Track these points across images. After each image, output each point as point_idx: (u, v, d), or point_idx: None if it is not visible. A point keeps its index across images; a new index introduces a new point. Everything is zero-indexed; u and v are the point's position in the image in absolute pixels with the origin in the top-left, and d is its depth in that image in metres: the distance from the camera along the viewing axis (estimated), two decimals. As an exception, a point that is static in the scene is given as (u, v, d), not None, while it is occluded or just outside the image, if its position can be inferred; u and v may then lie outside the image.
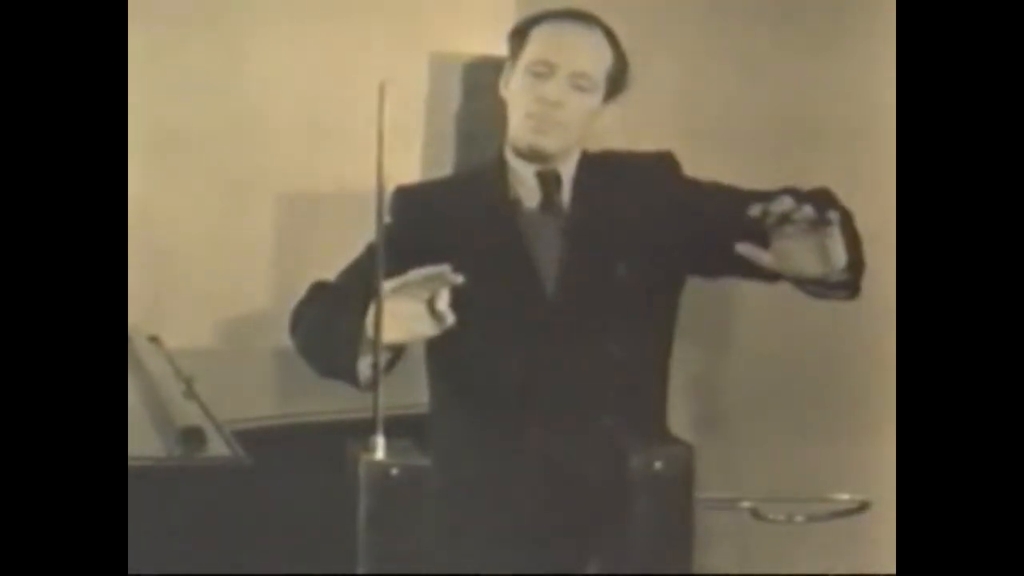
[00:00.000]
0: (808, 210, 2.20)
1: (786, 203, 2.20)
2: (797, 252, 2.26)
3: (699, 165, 2.59)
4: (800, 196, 2.36)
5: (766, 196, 2.41)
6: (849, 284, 2.32)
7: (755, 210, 2.20)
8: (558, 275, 2.46)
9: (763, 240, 2.25)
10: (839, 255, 2.26)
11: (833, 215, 2.22)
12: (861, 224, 2.54)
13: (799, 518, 2.50)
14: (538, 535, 2.42)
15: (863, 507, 2.50)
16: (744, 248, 2.24)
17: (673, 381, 2.60)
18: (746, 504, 2.49)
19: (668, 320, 2.55)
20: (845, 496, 2.53)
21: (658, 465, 2.10)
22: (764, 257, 2.26)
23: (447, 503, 2.14)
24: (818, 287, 2.33)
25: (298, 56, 3.13)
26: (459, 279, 2.18)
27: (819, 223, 2.22)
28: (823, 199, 2.39)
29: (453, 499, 2.28)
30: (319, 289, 2.45)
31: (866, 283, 2.43)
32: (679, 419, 2.59)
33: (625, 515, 2.17)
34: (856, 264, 2.31)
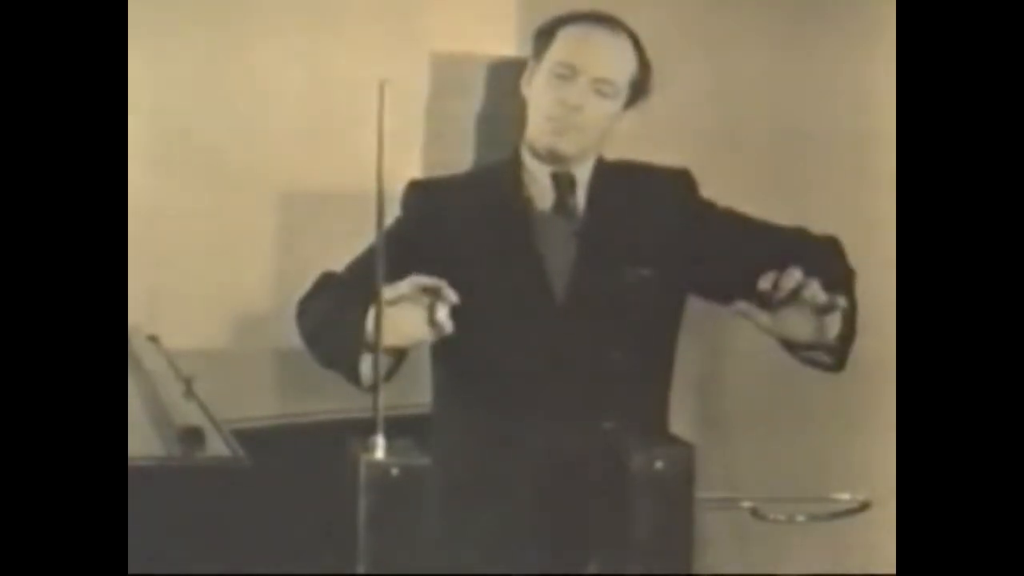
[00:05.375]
0: (817, 292, 2.23)
1: (795, 277, 2.22)
2: (793, 320, 2.28)
3: (701, 166, 2.59)
4: (808, 247, 2.38)
5: (776, 231, 2.45)
6: (837, 352, 2.34)
7: (765, 282, 2.22)
8: (567, 278, 2.46)
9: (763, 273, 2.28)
10: (833, 328, 2.28)
11: (840, 301, 2.24)
12: (862, 224, 2.55)
13: (800, 518, 2.49)
14: (538, 535, 2.42)
15: (864, 507, 2.49)
16: (742, 307, 2.27)
17: (674, 381, 2.60)
18: (746, 504, 2.49)
19: (672, 329, 2.56)
20: (846, 496, 2.52)
21: (659, 465, 2.10)
22: (761, 318, 2.28)
23: (447, 503, 2.14)
24: (807, 352, 2.35)
25: (298, 56, 3.13)
26: (455, 299, 2.18)
27: (825, 308, 2.24)
28: (830, 253, 2.42)
29: (453, 499, 2.28)
30: (326, 280, 2.45)
31: (866, 283, 2.44)
32: (680, 419, 2.59)
33: (625, 515, 2.17)
34: (847, 336, 2.32)
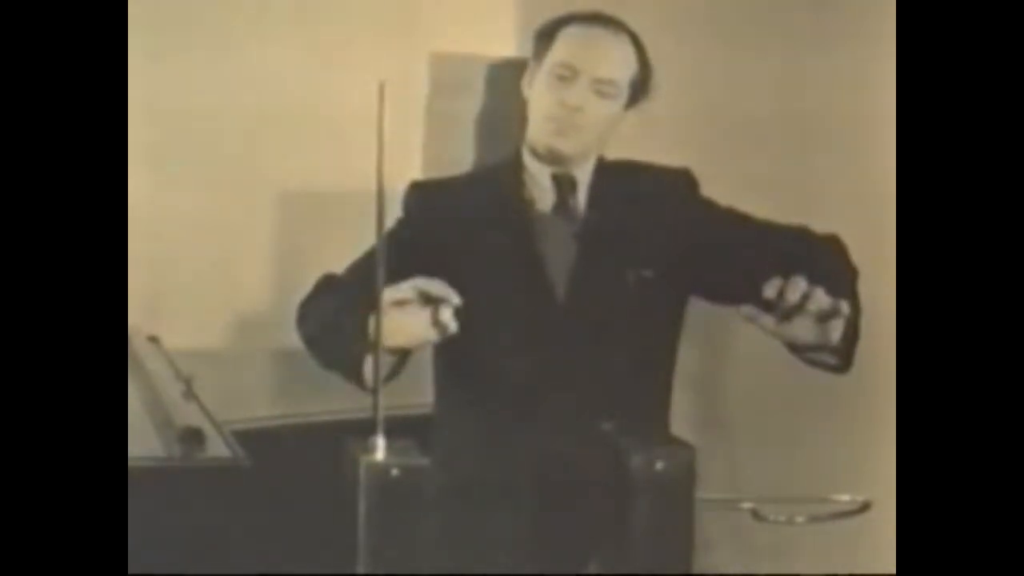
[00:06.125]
0: (822, 299, 2.21)
1: (801, 287, 2.21)
2: (798, 323, 2.27)
3: (702, 165, 2.59)
4: (810, 247, 2.38)
5: (777, 230, 2.44)
6: (841, 353, 2.33)
7: (770, 291, 2.21)
8: (568, 278, 2.46)
9: (765, 274, 2.28)
10: (837, 331, 2.27)
11: (844, 308, 2.23)
12: (861, 224, 2.54)
13: (800, 519, 2.49)
14: (538, 535, 2.42)
15: (864, 507, 2.49)
16: (748, 312, 2.25)
17: (674, 381, 2.60)
18: (747, 504, 2.49)
19: (673, 330, 2.56)
20: (846, 497, 2.52)
21: (659, 465, 2.10)
22: (766, 322, 2.27)
23: (447, 503, 2.14)
24: (811, 353, 2.33)
25: (298, 55, 3.13)
26: (458, 300, 2.18)
27: (830, 314, 2.23)
28: (832, 252, 2.41)
29: (453, 499, 2.28)
30: (328, 282, 2.45)
31: (866, 283, 2.44)
32: (680, 419, 2.59)
33: (625, 515, 2.17)
34: (851, 338, 2.31)
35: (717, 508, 2.42)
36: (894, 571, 1.95)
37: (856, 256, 2.49)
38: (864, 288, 2.42)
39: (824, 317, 2.24)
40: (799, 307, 2.22)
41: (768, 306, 2.24)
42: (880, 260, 2.47)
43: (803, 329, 2.27)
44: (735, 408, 3.36)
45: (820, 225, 2.53)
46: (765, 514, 2.44)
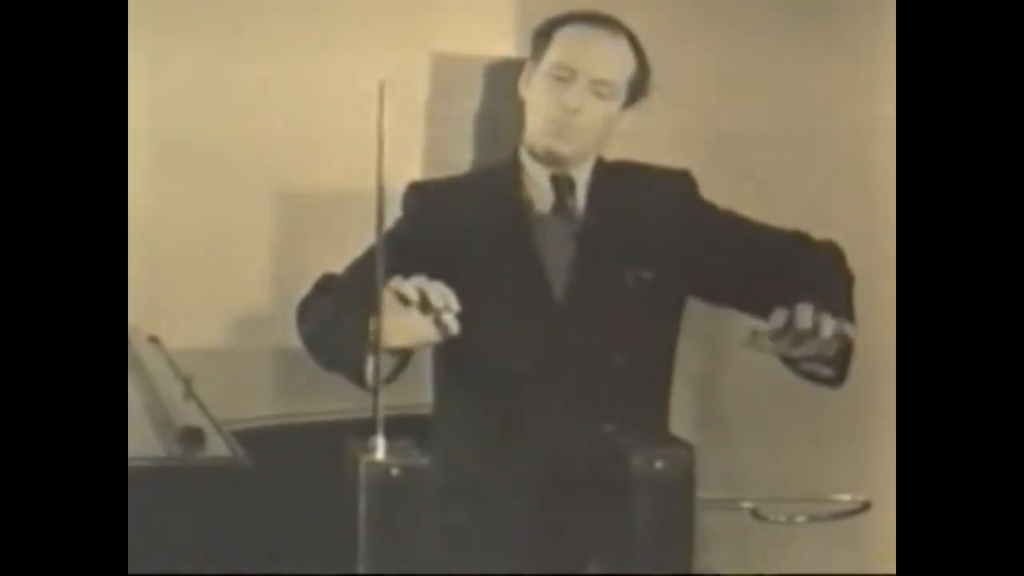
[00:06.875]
0: (827, 330, 2.21)
1: (808, 317, 2.20)
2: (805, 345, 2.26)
3: (701, 166, 2.59)
4: (808, 253, 2.38)
5: (776, 234, 2.44)
6: (834, 363, 2.33)
7: (777, 321, 2.21)
8: (567, 279, 2.46)
9: (763, 278, 2.27)
10: (833, 347, 2.27)
11: (848, 329, 2.22)
12: (861, 224, 2.54)
13: (800, 519, 2.50)
14: (538, 535, 2.42)
15: (864, 507, 2.50)
16: (752, 341, 2.25)
17: (674, 381, 2.60)
18: (747, 504, 2.49)
19: (671, 330, 2.56)
20: (846, 497, 2.52)
21: (659, 465, 2.10)
22: (762, 328, 2.26)
23: (447, 503, 2.14)
24: (806, 364, 2.33)
25: (298, 56, 3.13)
26: (457, 307, 2.17)
27: (833, 339, 2.22)
28: (829, 259, 2.41)
29: (454, 499, 2.28)
30: (328, 282, 2.45)
31: (866, 283, 2.44)
32: (680, 419, 2.59)
33: (625, 515, 2.17)
34: (846, 351, 2.31)
35: (717, 508, 2.42)
36: (894, 571, 1.95)
37: (856, 259, 2.49)
38: (864, 290, 2.42)
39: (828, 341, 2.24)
40: (812, 332, 2.21)
41: (775, 335, 2.23)
42: (880, 262, 2.47)
43: (802, 348, 2.27)
44: (735, 408, 3.36)
45: (820, 228, 2.53)
46: (765, 514, 2.45)
